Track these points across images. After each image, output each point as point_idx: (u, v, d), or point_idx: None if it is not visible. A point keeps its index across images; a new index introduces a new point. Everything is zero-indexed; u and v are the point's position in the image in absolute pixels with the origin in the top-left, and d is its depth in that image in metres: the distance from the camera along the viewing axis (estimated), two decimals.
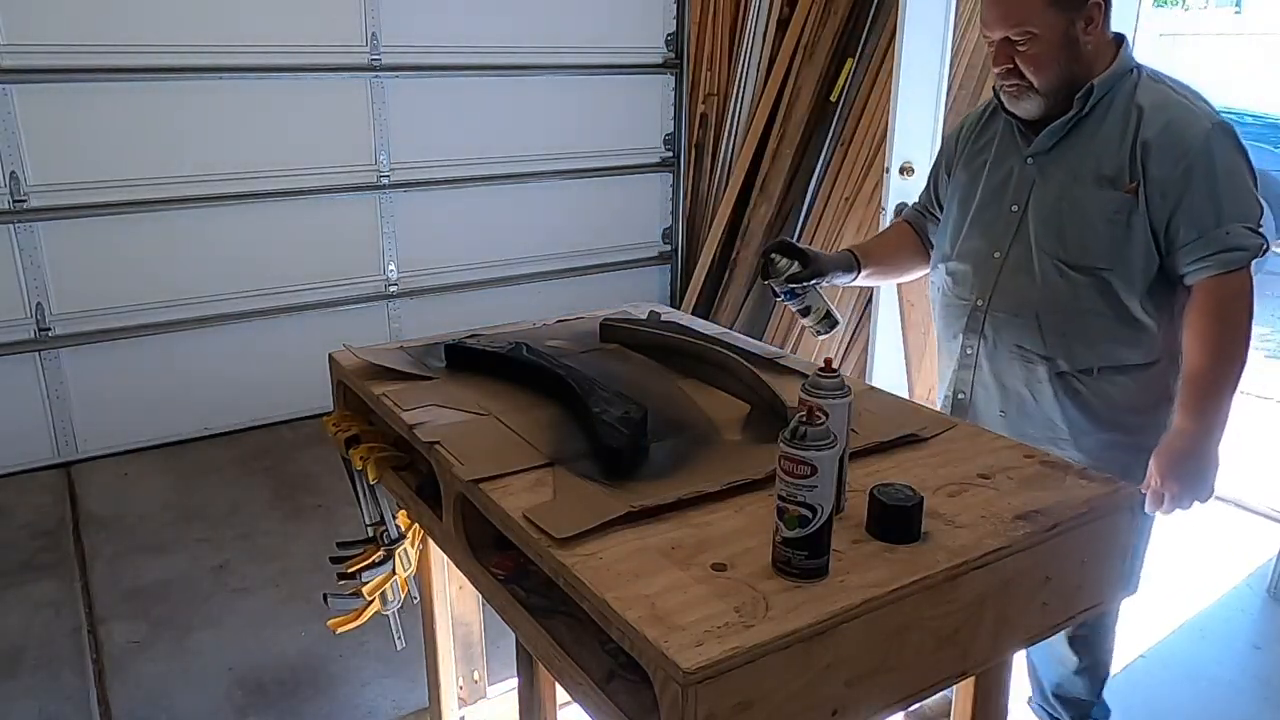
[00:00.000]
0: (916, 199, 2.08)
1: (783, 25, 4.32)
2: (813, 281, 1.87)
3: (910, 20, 3.21)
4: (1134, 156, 1.63)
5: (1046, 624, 1.29)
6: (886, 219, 3.39)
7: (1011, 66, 1.65)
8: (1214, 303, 1.63)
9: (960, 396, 1.88)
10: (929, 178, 2.02)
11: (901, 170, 3.36)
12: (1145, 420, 1.74)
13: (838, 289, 2.26)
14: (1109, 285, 1.67)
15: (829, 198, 4.10)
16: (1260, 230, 1.61)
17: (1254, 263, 1.62)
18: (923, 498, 1.19)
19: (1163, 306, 1.69)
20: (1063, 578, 1.27)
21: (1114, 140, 1.65)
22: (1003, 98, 1.73)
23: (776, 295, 1.91)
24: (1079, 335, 1.71)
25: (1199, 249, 1.61)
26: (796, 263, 1.84)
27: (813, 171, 4.17)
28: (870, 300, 3.69)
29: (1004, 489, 1.32)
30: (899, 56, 3.25)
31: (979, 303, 1.80)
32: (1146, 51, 3.70)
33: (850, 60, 4.05)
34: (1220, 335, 1.63)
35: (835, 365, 1.20)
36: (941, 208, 1.94)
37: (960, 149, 1.90)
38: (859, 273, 1.96)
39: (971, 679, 1.31)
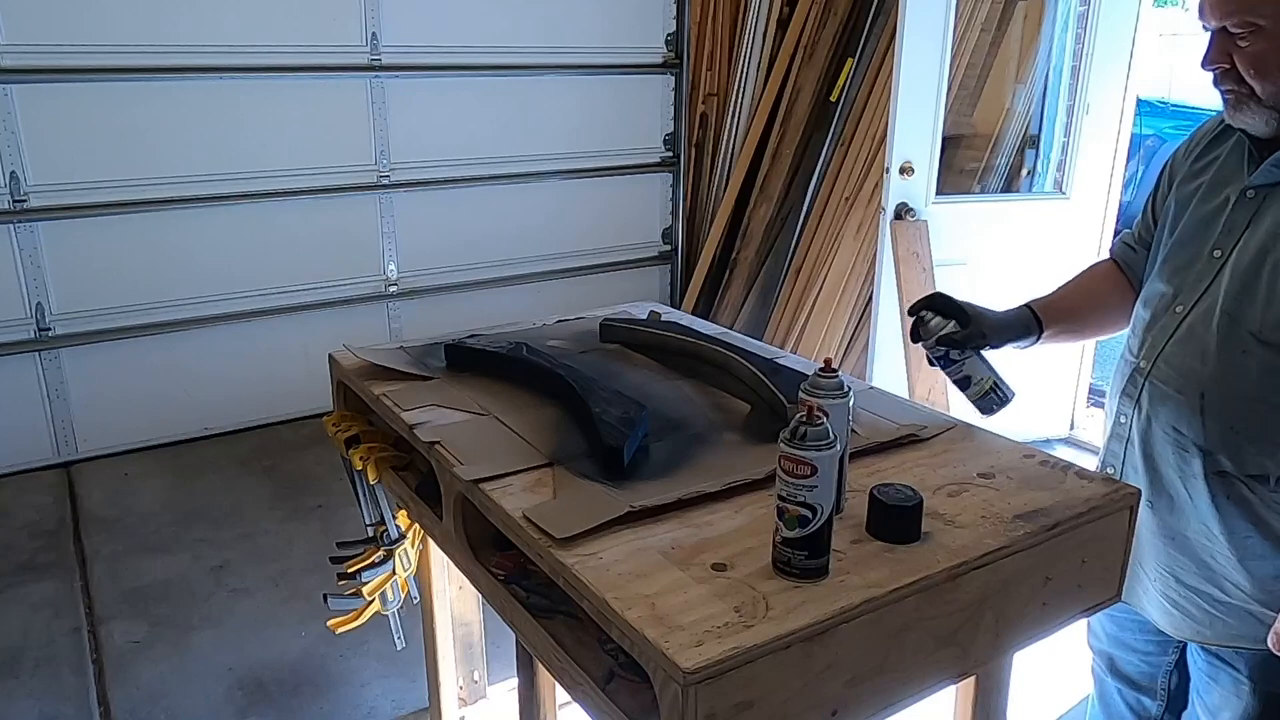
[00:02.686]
0: (1129, 229, 1.65)
1: (783, 25, 4.32)
2: (973, 347, 1.52)
3: (910, 20, 3.22)
4: None
5: (1046, 624, 1.29)
6: (887, 219, 3.39)
7: (1229, 67, 1.28)
8: None
9: (1110, 470, 1.52)
10: (1146, 200, 1.59)
11: (901, 170, 3.36)
12: None
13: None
14: None
15: (829, 198, 4.10)
16: None
17: None
18: (923, 498, 1.19)
19: None
20: (1063, 578, 1.27)
21: None
22: (1224, 108, 1.34)
23: (932, 363, 1.56)
24: (1255, 431, 1.31)
25: None
26: (953, 322, 1.51)
27: (813, 171, 4.17)
28: (870, 300, 3.69)
29: (1004, 489, 1.32)
30: (899, 56, 3.25)
31: (1142, 364, 1.45)
32: (1147, 51, 3.70)
33: (850, 60, 4.05)
34: None
35: (835, 365, 1.20)
36: (1149, 238, 1.56)
37: (1181, 167, 1.50)
38: (1040, 335, 1.59)
39: (972, 679, 1.31)
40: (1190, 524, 1.41)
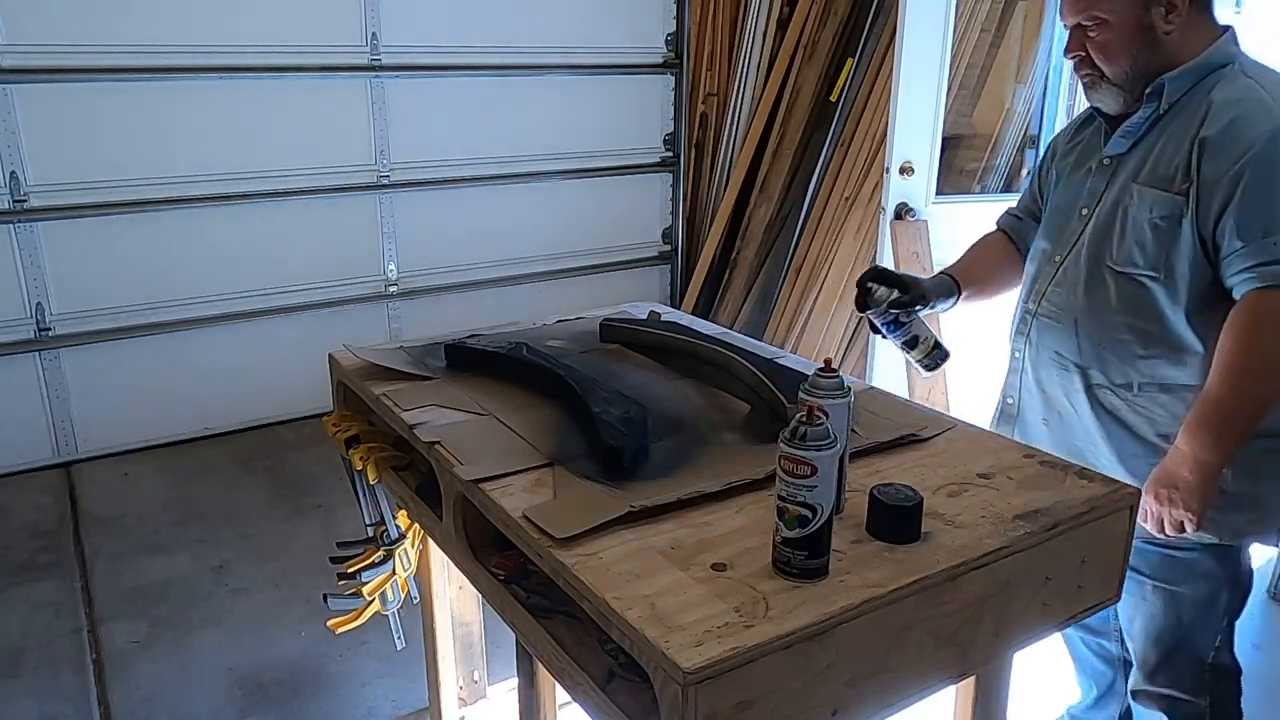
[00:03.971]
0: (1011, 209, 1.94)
1: (783, 25, 4.32)
2: (916, 309, 1.74)
3: (910, 20, 3.21)
4: (1191, 155, 1.50)
5: (1046, 624, 1.29)
6: (887, 219, 3.39)
7: (1083, 55, 1.58)
8: (1247, 320, 1.46)
9: (1009, 401, 1.82)
10: (1030, 179, 1.91)
11: (901, 170, 3.35)
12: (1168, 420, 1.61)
13: (936, 318, 2.06)
14: (1152, 295, 1.55)
15: (829, 198, 4.10)
16: None
17: None
18: (923, 498, 1.19)
19: (1214, 324, 1.51)
20: (1063, 578, 1.27)
21: (1180, 139, 1.53)
22: (1084, 90, 1.65)
23: (878, 330, 1.77)
24: (1114, 347, 1.60)
25: (1243, 259, 1.45)
26: (896, 290, 1.71)
27: (813, 171, 4.17)
28: None
29: (1004, 489, 1.32)
30: (899, 56, 3.25)
31: (1030, 305, 1.74)
32: None
33: (850, 60, 4.05)
34: (1246, 357, 1.47)
35: (835, 365, 1.20)
36: (1036, 210, 1.86)
37: (1059, 148, 1.81)
38: (959, 296, 1.83)
39: (971, 679, 1.31)
40: (1078, 434, 1.70)
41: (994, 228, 1.98)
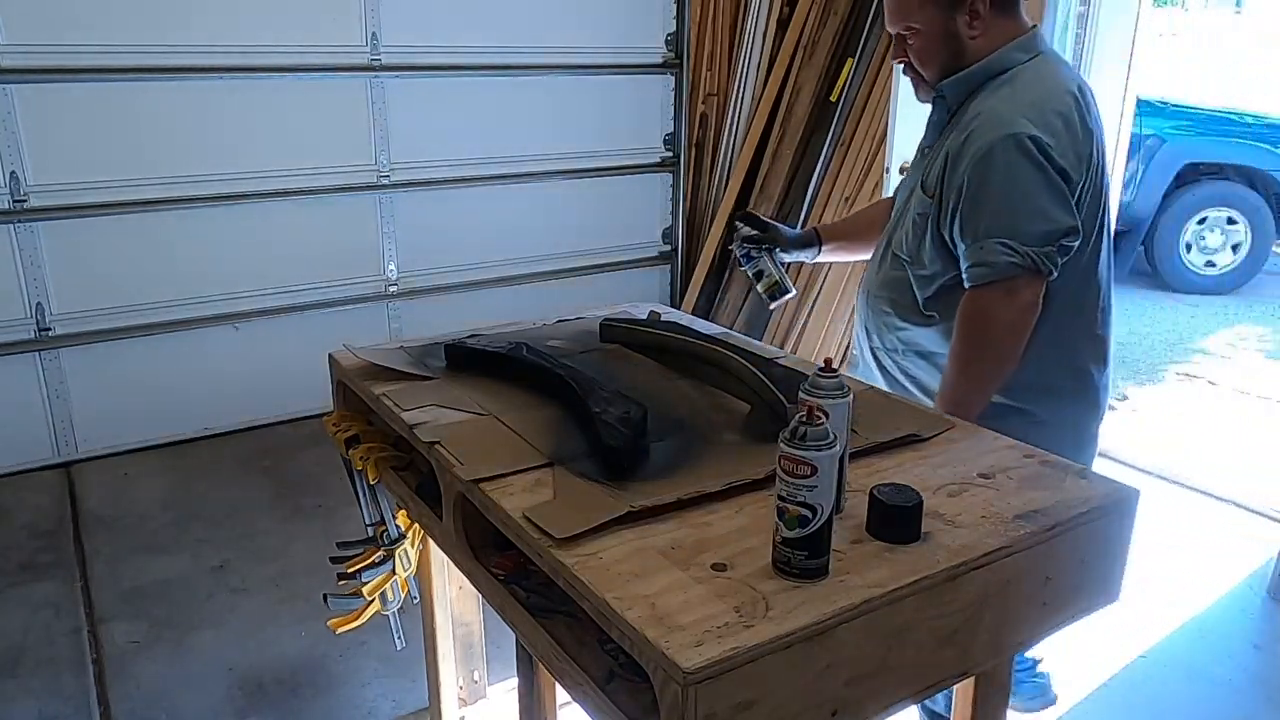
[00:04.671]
0: None
1: (783, 25, 4.32)
2: (765, 248, 2.04)
3: None
4: (945, 162, 1.67)
5: (1046, 624, 1.29)
6: None
7: (908, 61, 1.76)
8: (963, 315, 1.66)
9: (854, 352, 2.09)
10: None
11: (901, 170, 3.35)
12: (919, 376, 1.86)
13: (804, 265, 2.43)
14: (908, 278, 1.78)
15: (829, 198, 4.10)
16: (1027, 254, 1.57)
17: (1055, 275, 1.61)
18: (923, 498, 1.19)
19: (951, 306, 1.70)
20: (1063, 578, 1.27)
21: (954, 140, 1.68)
22: (914, 91, 1.82)
23: (739, 263, 2.09)
24: (884, 316, 1.84)
25: (964, 259, 1.64)
26: (753, 231, 2.04)
27: (813, 171, 4.17)
28: None
29: (1004, 489, 1.32)
30: None
31: (864, 285, 1.96)
32: (1147, 51, 3.69)
33: (850, 60, 4.05)
34: (958, 349, 1.67)
35: (835, 365, 1.20)
36: None
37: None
38: (819, 249, 2.10)
39: (971, 679, 1.31)
40: (879, 385, 1.89)
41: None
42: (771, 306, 2.24)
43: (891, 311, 1.82)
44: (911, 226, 1.75)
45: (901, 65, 1.78)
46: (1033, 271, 1.59)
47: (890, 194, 3.35)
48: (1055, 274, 1.63)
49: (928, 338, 1.78)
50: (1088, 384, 1.78)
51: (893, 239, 1.83)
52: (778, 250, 2.05)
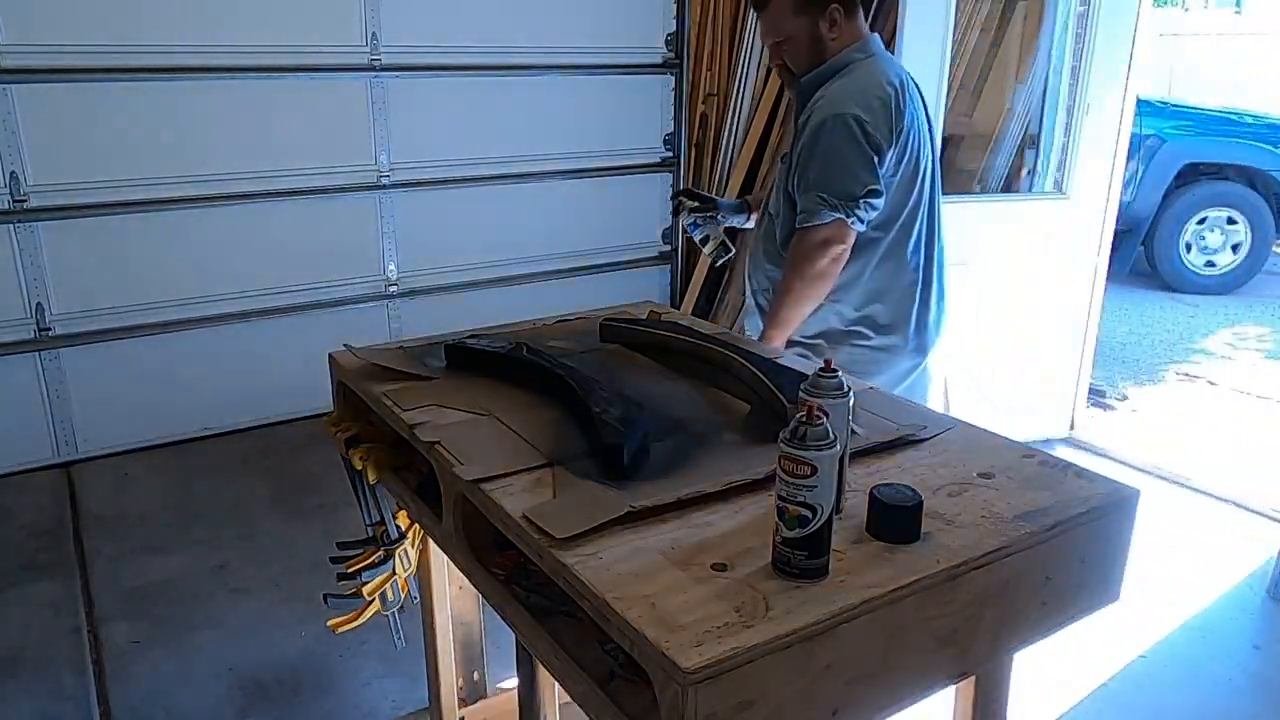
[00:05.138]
0: None
1: None
2: (709, 216, 2.41)
3: (910, 20, 3.22)
4: (795, 135, 2.09)
5: (1046, 624, 1.29)
6: None
7: (781, 62, 2.12)
8: (788, 251, 2.07)
9: (747, 301, 2.36)
10: None
11: None
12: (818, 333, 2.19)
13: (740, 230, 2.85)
14: (775, 230, 2.16)
15: None
16: (839, 205, 1.97)
17: (849, 229, 1.99)
18: (922, 498, 1.19)
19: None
20: (1063, 578, 1.27)
21: (802, 121, 2.08)
22: (787, 88, 2.26)
23: (687, 231, 2.46)
24: (760, 262, 2.23)
25: (797, 208, 2.05)
26: (696, 203, 2.40)
27: None
28: None
29: (1004, 489, 1.32)
30: (899, 56, 3.25)
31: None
32: (1146, 51, 3.69)
33: None
34: (784, 275, 2.08)
35: (835, 365, 1.20)
36: None
37: None
38: (750, 215, 2.45)
39: (971, 679, 1.31)
40: (760, 327, 2.20)
41: None
42: (718, 265, 2.61)
43: (764, 258, 2.21)
44: (775, 188, 2.18)
45: (777, 65, 2.15)
46: (841, 219, 1.98)
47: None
48: (862, 225, 2.01)
49: (777, 269, 2.19)
50: (907, 320, 2.16)
51: (768, 202, 2.23)
52: (720, 217, 2.43)
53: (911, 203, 2.12)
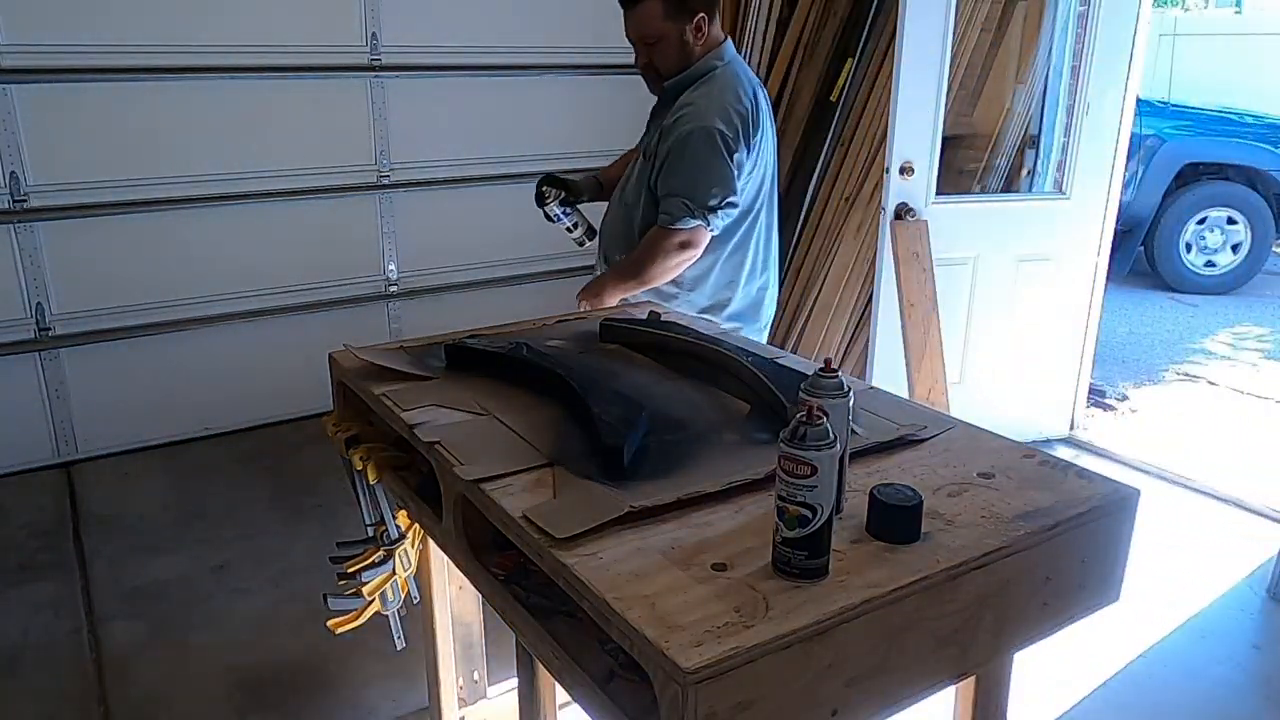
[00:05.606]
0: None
1: (783, 25, 4.32)
2: (572, 201, 2.50)
3: (910, 20, 3.22)
4: (658, 137, 2.26)
5: (1046, 624, 1.29)
6: (887, 219, 3.39)
7: (648, 62, 2.29)
8: (644, 239, 2.29)
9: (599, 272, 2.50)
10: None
11: (901, 170, 3.36)
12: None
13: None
14: (631, 217, 2.35)
15: (829, 198, 4.10)
16: (698, 212, 2.18)
17: (701, 228, 2.20)
18: (923, 498, 1.19)
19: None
20: (1063, 578, 1.27)
21: (670, 116, 2.25)
22: (649, 87, 2.37)
23: (550, 219, 2.53)
24: (615, 243, 2.42)
25: (660, 207, 2.25)
26: (562, 191, 2.49)
27: (813, 171, 4.16)
28: (870, 300, 3.69)
29: (1004, 489, 1.32)
30: (899, 56, 3.25)
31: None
32: (1147, 51, 3.68)
33: (850, 60, 4.05)
34: (630, 256, 2.32)
35: (835, 365, 1.20)
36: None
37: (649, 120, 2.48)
38: (604, 192, 2.58)
39: (971, 679, 1.31)
40: None
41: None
42: (583, 247, 2.62)
43: (622, 241, 2.39)
44: (635, 182, 2.34)
45: (642, 65, 2.30)
46: (701, 225, 2.20)
47: (888, 195, 3.37)
48: (718, 230, 2.25)
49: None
50: (752, 304, 2.44)
51: (625, 190, 2.38)
52: (581, 200, 2.55)
53: (759, 201, 2.37)
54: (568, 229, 2.54)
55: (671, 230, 2.21)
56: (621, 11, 2.29)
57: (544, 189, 2.50)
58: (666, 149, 2.21)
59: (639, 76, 2.34)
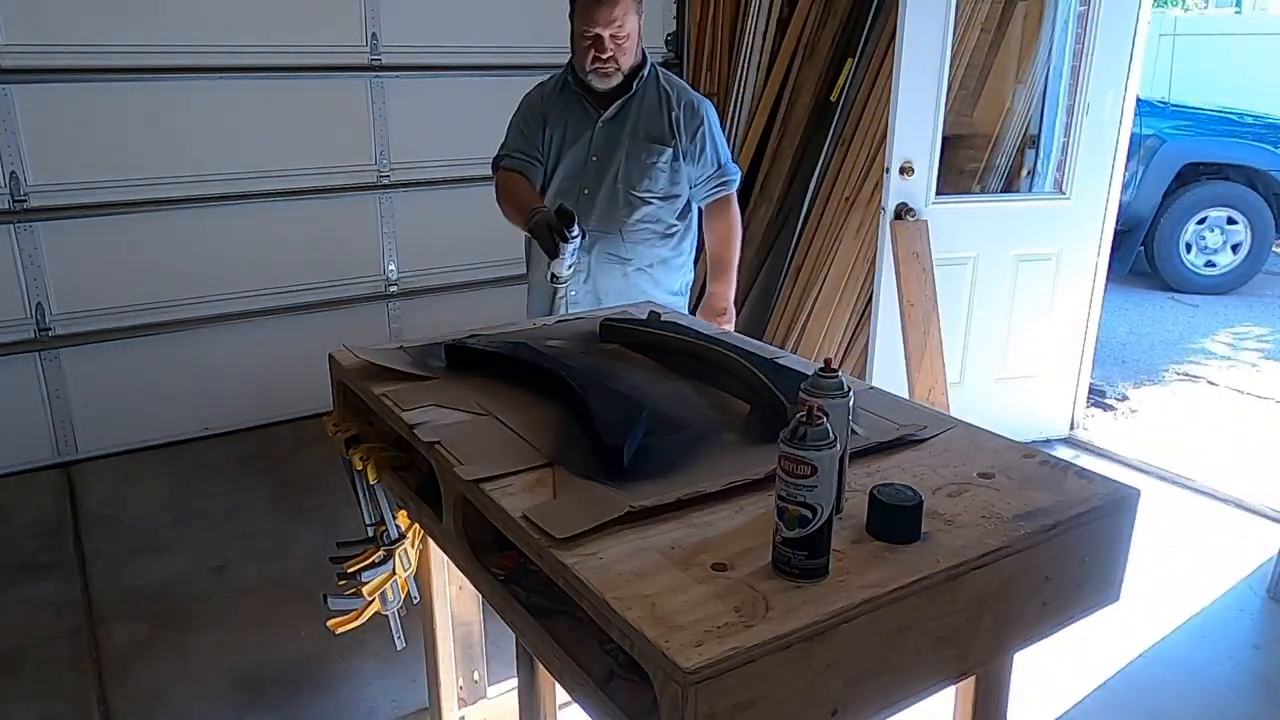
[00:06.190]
0: (506, 152, 2.60)
1: (783, 25, 4.32)
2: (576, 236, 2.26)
3: (910, 20, 3.22)
4: (673, 123, 2.43)
5: (1046, 624, 1.29)
6: (887, 219, 3.39)
7: (610, 55, 2.33)
8: (727, 216, 2.58)
9: (562, 296, 2.45)
10: (513, 135, 2.61)
11: (901, 170, 3.36)
12: (683, 283, 2.70)
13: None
14: (659, 210, 2.49)
15: (829, 198, 4.10)
16: (735, 174, 2.55)
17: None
18: (923, 498, 1.19)
19: (687, 218, 2.58)
20: (1063, 578, 1.27)
21: (655, 110, 2.44)
22: (593, 77, 2.38)
23: (560, 254, 2.24)
24: (643, 237, 2.51)
25: (714, 178, 2.52)
26: (577, 227, 2.23)
27: (813, 171, 4.17)
28: (870, 300, 3.69)
29: (1004, 489, 1.32)
30: (899, 56, 3.25)
31: (589, 225, 2.44)
32: (1147, 51, 3.68)
33: (850, 60, 4.05)
34: (734, 236, 2.60)
35: (835, 365, 1.20)
36: (540, 158, 2.54)
37: (548, 114, 2.53)
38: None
39: (971, 679, 1.31)
40: (618, 299, 2.53)
41: (502, 171, 2.59)
42: (568, 283, 2.41)
43: (649, 235, 2.51)
44: (660, 172, 2.45)
45: (604, 57, 2.33)
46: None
47: (888, 195, 3.37)
48: None
49: (673, 246, 2.58)
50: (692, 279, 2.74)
51: (621, 186, 2.45)
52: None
53: None
54: (570, 265, 2.28)
55: (732, 195, 2.56)
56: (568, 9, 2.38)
57: (563, 233, 2.19)
58: (699, 131, 2.45)
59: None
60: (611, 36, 2.32)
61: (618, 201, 2.47)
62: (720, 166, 2.51)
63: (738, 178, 2.55)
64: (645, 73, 2.44)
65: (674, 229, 2.55)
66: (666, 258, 2.59)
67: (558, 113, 2.51)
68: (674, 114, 2.44)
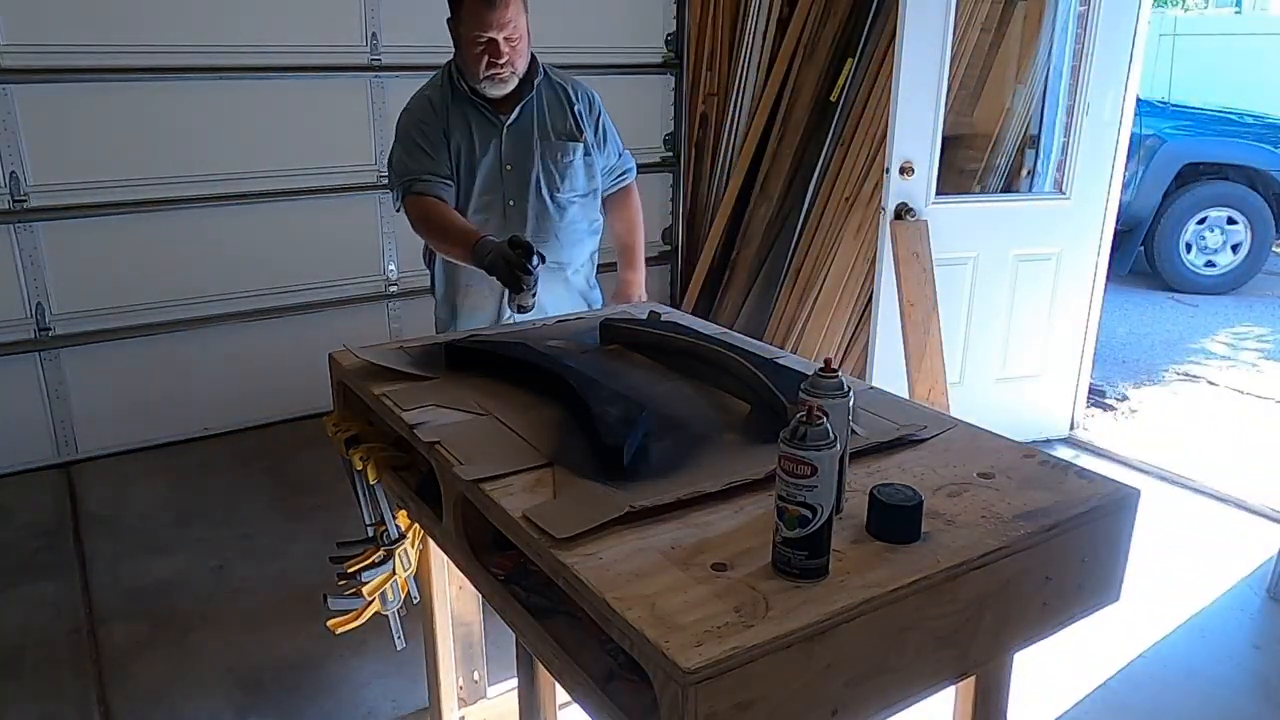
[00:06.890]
0: (414, 176, 2.32)
1: (783, 25, 4.32)
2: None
3: (910, 20, 3.22)
4: (576, 117, 2.41)
5: (1046, 624, 1.29)
6: (887, 219, 3.39)
7: (506, 59, 2.22)
8: (630, 203, 2.61)
9: (538, 298, 2.28)
10: (415, 156, 2.33)
11: (901, 170, 3.36)
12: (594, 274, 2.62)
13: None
14: (583, 206, 2.47)
15: (829, 198, 4.10)
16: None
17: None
18: (923, 498, 1.19)
19: (600, 214, 2.56)
20: (1063, 578, 1.27)
21: (557, 108, 2.40)
22: (487, 84, 2.26)
23: (528, 286, 2.05)
24: (577, 239, 2.48)
25: (616, 169, 2.55)
26: (537, 256, 2.05)
27: (813, 171, 4.17)
28: (870, 300, 3.69)
29: (1004, 489, 1.32)
30: (899, 56, 3.25)
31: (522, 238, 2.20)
32: (1147, 51, 3.68)
33: (850, 60, 4.05)
34: (638, 220, 2.62)
35: (835, 365, 1.20)
36: (451, 176, 2.35)
37: (445, 126, 2.33)
38: None
39: (971, 679, 1.31)
40: (560, 307, 2.48)
41: (414, 198, 2.33)
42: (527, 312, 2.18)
43: (582, 236, 2.49)
44: (568, 169, 2.40)
45: (499, 62, 2.21)
46: None
47: (888, 195, 3.37)
48: None
49: (598, 241, 2.57)
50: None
51: (545, 195, 2.38)
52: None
53: None
54: (533, 295, 2.07)
55: (633, 182, 2.61)
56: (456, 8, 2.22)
57: (530, 265, 2.03)
58: (596, 124, 2.46)
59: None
60: (506, 39, 2.19)
61: (546, 208, 2.39)
62: (620, 155, 2.55)
63: (635, 164, 2.61)
64: (539, 71, 2.37)
65: (597, 223, 2.55)
66: (592, 253, 2.58)
67: (457, 123, 2.32)
68: (575, 107, 2.41)
